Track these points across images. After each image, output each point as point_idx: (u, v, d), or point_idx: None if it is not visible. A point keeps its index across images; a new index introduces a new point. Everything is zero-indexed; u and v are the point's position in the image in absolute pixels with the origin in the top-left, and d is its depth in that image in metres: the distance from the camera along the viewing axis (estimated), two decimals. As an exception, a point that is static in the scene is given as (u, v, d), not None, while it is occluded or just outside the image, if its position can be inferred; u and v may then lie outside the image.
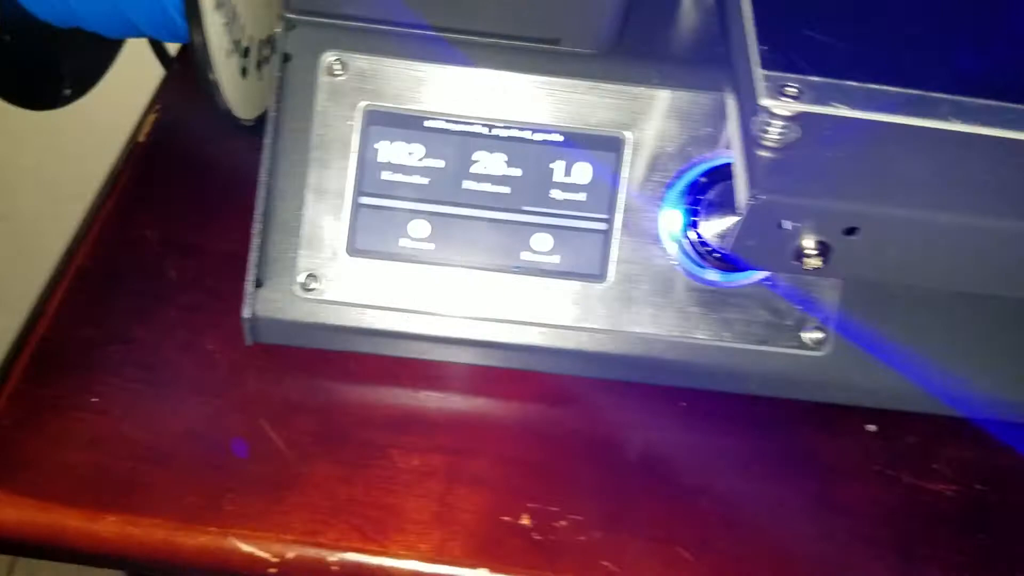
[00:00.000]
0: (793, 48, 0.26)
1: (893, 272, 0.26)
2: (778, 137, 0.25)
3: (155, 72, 0.49)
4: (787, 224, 0.24)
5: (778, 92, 0.25)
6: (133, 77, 0.50)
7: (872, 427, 0.36)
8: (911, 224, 0.24)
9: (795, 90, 0.25)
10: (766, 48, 0.26)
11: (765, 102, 0.25)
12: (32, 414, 0.31)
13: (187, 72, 0.40)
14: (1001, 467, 0.35)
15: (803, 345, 0.34)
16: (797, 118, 0.25)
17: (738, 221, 0.25)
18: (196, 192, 0.40)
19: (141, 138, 0.41)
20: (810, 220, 0.24)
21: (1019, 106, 0.25)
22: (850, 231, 0.25)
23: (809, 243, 0.25)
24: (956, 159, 0.25)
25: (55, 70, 0.35)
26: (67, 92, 0.35)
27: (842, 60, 0.26)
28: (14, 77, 0.35)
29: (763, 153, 0.25)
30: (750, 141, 0.25)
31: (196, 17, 0.33)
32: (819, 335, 0.34)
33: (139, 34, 0.39)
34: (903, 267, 0.26)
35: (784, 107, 0.25)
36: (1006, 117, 0.25)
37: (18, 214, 0.71)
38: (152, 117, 0.43)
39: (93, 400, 0.32)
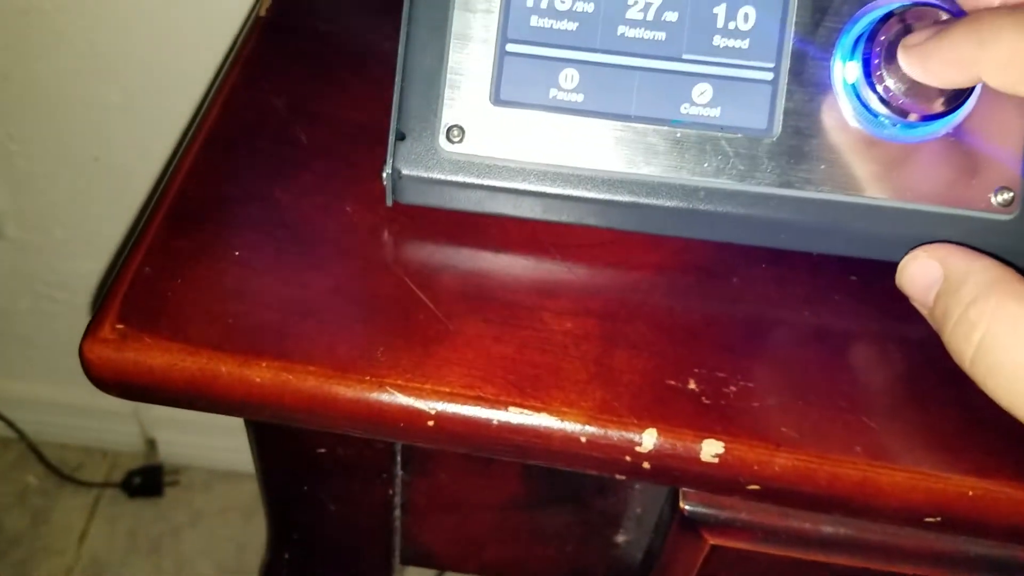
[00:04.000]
0: None
1: None
2: None
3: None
4: None
5: None
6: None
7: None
8: None
9: None
10: None
11: None
12: (173, 265, 0.29)
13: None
14: None
15: (990, 206, 0.31)
16: None
17: None
18: (318, 64, 0.38)
19: (262, 12, 0.39)
20: None
21: None
22: None
23: None
24: None
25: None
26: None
27: None
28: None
29: None
30: None
31: None
32: (1008, 195, 0.31)
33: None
34: None
35: None
36: None
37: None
38: (270, -6, 0.41)
39: (236, 253, 0.30)
